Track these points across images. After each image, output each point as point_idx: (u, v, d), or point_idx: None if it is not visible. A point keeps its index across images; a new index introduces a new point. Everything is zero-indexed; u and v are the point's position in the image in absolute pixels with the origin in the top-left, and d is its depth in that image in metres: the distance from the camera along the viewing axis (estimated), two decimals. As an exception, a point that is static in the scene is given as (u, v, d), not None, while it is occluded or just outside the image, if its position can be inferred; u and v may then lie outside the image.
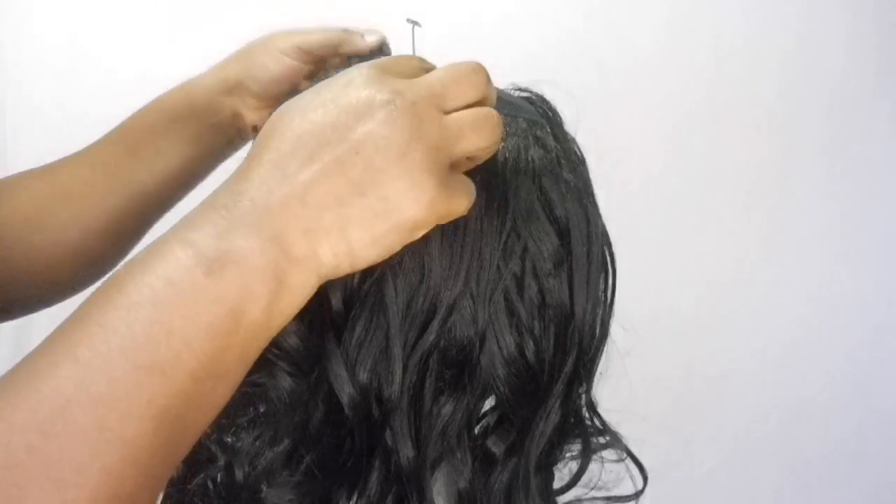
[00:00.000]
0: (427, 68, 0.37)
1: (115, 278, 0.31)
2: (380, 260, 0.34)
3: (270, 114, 0.34)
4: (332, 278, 0.34)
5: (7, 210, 0.52)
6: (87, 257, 0.54)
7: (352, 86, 0.33)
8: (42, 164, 0.57)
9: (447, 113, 0.34)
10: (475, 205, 0.37)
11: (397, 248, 0.34)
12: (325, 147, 0.32)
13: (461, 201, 0.35)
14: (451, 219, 0.35)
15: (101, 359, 0.29)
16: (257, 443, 0.40)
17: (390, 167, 0.32)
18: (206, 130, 0.55)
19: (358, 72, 0.34)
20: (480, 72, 0.36)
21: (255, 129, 0.55)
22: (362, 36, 0.53)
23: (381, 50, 0.54)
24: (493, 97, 0.37)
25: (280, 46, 0.53)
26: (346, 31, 0.53)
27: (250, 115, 0.55)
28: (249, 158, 0.33)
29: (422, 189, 0.32)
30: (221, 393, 0.32)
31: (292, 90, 0.53)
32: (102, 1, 0.89)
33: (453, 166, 0.35)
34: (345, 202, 0.32)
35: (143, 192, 0.55)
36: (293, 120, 0.33)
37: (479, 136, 0.35)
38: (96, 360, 0.28)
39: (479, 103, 0.36)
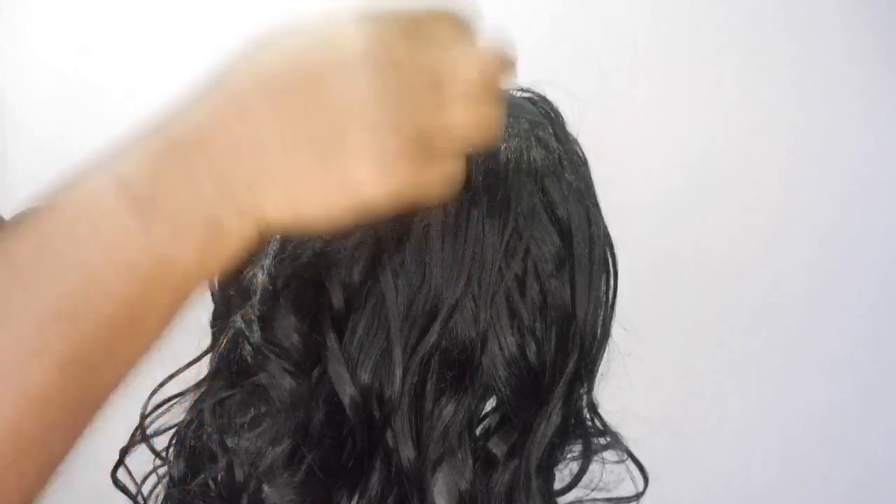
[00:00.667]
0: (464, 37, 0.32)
1: (36, 207, 0.27)
2: (326, 227, 0.30)
3: None
4: (271, 233, 0.31)
5: None
6: None
7: (340, 36, 0.29)
8: (41, 164, 0.57)
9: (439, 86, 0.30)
10: (478, 207, 0.37)
11: (346, 219, 0.30)
12: (293, 91, 0.28)
13: (432, 188, 0.31)
14: (416, 203, 0.31)
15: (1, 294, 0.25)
16: (258, 443, 0.40)
17: (356, 132, 0.28)
18: None
19: (353, 23, 0.30)
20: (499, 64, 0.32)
21: None
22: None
23: None
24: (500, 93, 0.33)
25: None
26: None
27: None
28: (212, 83, 0.30)
29: (385, 165, 0.29)
30: (142, 343, 0.29)
31: None
32: (103, 1, 0.89)
33: (437, 146, 0.31)
34: (299, 155, 0.28)
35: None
36: (271, 54, 0.29)
37: (471, 113, 0.31)
38: None
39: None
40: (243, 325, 0.40)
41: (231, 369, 0.42)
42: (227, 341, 0.42)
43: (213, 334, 0.46)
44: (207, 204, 0.28)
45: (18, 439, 0.26)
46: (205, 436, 0.43)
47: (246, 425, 0.41)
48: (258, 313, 0.40)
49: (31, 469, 0.27)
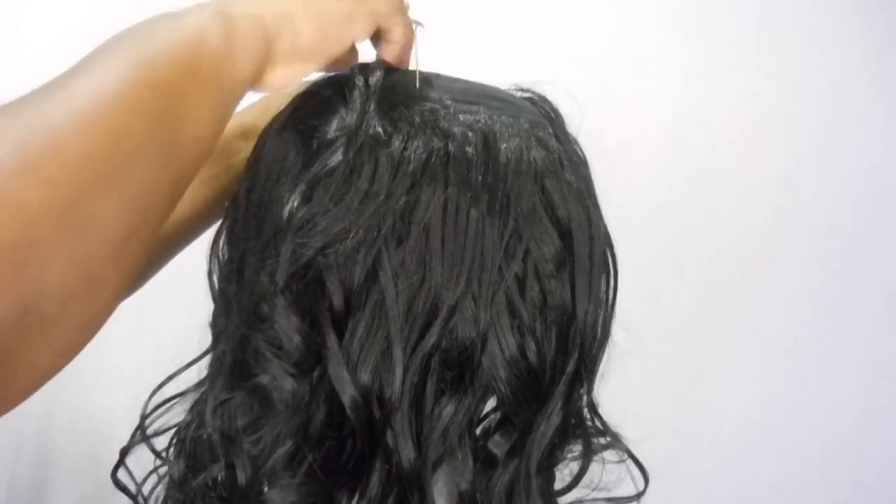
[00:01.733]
0: None
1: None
2: (320, 45, 0.41)
3: None
4: (271, 57, 0.40)
5: None
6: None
7: None
8: None
9: None
10: (478, 207, 0.37)
11: (334, 36, 0.42)
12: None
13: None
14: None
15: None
16: (260, 444, 0.40)
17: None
18: (222, 172, 0.56)
19: None
20: None
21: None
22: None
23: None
24: None
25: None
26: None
27: None
28: None
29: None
30: (202, 119, 0.35)
31: None
32: (103, 2, 0.89)
33: None
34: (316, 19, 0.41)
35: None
36: None
37: None
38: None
39: None
40: (244, 327, 0.40)
41: (232, 371, 0.42)
42: (227, 342, 0.42)
43: (214, 335, 0.46)
44: (218, 12, 0.37)
45: (120, 154, 0.30)
46: (206, 436, 0.43)
47: (247, 427, 0.41)
48: (259, 314, 0.40)
49: (110, 208, 0.30)
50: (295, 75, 0.42)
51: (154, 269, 0.58)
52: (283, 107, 0.52)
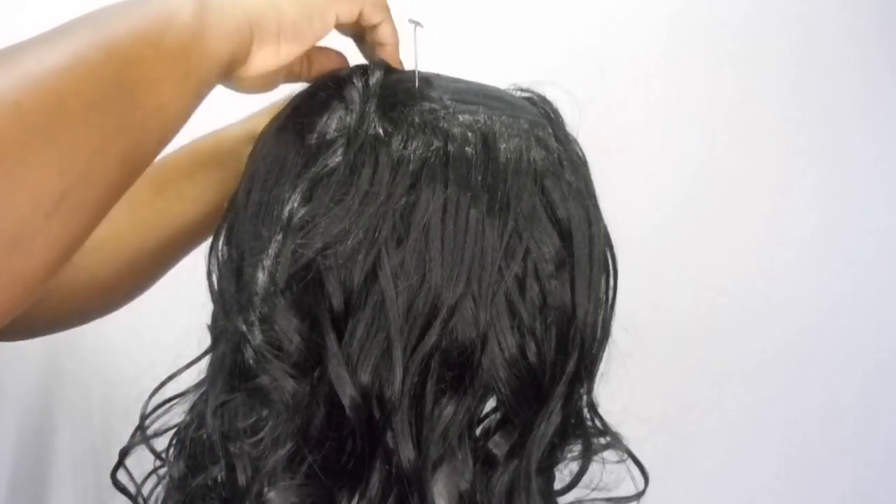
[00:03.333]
0: None
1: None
2: (305, 25, 0.42)
3: None
4: (257, 36, 0.40)
5: None
6: (101, 289, 0.55)
7: None
8: None
9: None
10: (478, 207, 0.37)
11: (317, 16, 0.43)
12: None
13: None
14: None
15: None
16: (260, 446, 0.40)
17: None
18: (231, 177, 0.55)
19: None
20: None
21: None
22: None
23: None
24: None
25: None
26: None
27: None
28: None
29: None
30: (157, 103, 0.36)
31: None
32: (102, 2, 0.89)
33: None
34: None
35: (165, 233, 0.55)
36: None
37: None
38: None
39: None
40: (244, 328, 0.40)
41: (232, 371, 0.42)
42: (227, 343, 0.42)
43: (214, 335, 0.46)
44: (240, 22, 0.39)
45: (62, 111, 0.31)
46: (206, 437, 0.43)
47: (247, 429, 0.41)
48: (259, 315, 0.40)
49: (44, 161, 0.30)
50: (281, 57, 0.42)
51: (157, 274, 0.58)
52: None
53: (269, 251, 0.40)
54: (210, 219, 0.56)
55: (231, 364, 0.42)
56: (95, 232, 0.53)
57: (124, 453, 0.48)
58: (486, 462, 0.42)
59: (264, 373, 0.40)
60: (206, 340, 0.47)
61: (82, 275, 0.53)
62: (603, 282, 0.45)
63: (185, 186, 0.56)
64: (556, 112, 0.48)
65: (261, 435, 0.40)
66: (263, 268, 0.40)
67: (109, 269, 0.54)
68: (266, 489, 0.40)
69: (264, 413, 0.41)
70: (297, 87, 0.49)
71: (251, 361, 0.40)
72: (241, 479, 0.40)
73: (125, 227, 0.54)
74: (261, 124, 0.53)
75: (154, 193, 0.55)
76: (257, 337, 0.40)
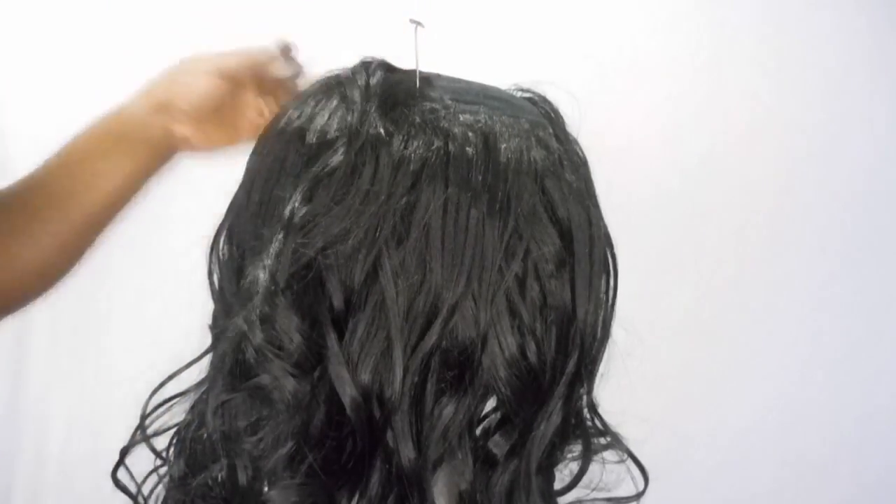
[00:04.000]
0: None
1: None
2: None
3: (198, 126, 0.62)
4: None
5: None
6: (38, 271, 0.60)
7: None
8: (40, 163, 0.58)
9: None
10: (478, 207, 0.38)
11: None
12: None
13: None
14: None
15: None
16: (261, 445, 0.40)
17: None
18: (140, 146, 0.62)
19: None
20: None
21: (186, 140, 0.65)
22: (278, 60, 0.66)
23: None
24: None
25: (203, 69, 0.63)
26: (261, 52, 0.66)
27: (180, 129, 0.64)
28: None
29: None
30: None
31: (216, 105, 0.64)
32: (102, 3, 0.89)
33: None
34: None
35: (87, 211, 0.60)
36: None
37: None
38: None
39: None
40: (245, 327, 0.40)
41: (232, 371, 0.42)
42: (228, 342, 0.42)
43: (214, 335, 0.46)
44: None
45: None
46: (206, 436, 0.43)
47: (248, 428, 0.41)
48: (259, 314, 0.40)
49: None
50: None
51: (88, 245, 0.62)
52: (194, 84, 0.61)
53: (270, 250, 0.40)
54: (126, 188, 0.62)
55: (231, 363, 0.42)
56: (15, 212, 0.59)
57: (124, 452, 0.48)
58: (486, 462, 0.42)
59: (265, 372, 0.40)
60: (207, 340, 0.47)
61: (7, 257, 0.58)
62: (603, 282, 0.45)
63: (98, 165, 0.61)
64: (556, 112, 0.48)
65: (261, 434, 0.40)
66: (264, 267, 0.40)
67: (35, 247, 0.59)
68: (266, 488, 0.40)
69: (265, 412, 0.41)
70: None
71: (252, 360, 0.40)
72: (242, 478, 0.40)
73: (45, 213, 0.59)
74: (156, 86, 0.63)
75: (69, 178, 0.60)
76: (258, 336, 0.40)
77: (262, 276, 0.40)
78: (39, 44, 0.88)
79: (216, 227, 0.50)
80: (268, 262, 0.40)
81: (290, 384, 0.39)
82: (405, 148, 0.40)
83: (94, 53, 0.89)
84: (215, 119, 0.64)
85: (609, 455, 0.49)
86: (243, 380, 0.41)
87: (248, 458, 0.40)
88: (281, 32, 0.67)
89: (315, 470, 0.39)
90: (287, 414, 0.39)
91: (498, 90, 0.47)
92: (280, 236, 0.40)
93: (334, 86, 0.45)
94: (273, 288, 0.39)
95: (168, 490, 0.47)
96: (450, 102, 0.43)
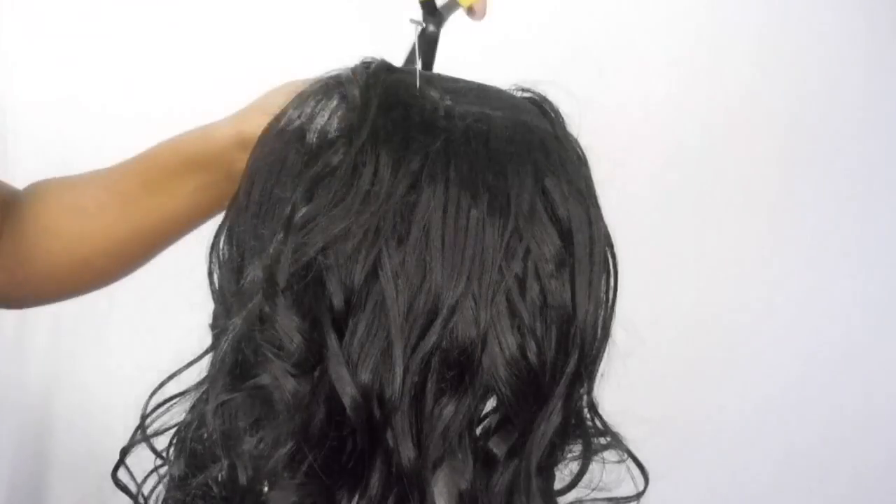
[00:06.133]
0: None
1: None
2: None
3: None
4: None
5: (30, 214, 0.57)
6: (92, 271, 0.59)
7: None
8: (41, 164, 0.58)
9: None
10: (478, 207, 0.38)
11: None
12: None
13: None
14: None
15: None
16: (261, 445, 0.40)
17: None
18: (222, 179, 0.56)
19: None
20: None
21: None
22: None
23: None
24: None
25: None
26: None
27: None
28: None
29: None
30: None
31: None
32: (102, 4, 0.89)
33: None
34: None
35: (151, 226, 0.58)
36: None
37: None
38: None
39: None
40: (245, 327, 0.40)
41: (232, 371, 0.42)
42: (228, 342, 0.42)
43: (214, 335, 0.46)
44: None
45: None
46: (206, 436, 0.43)
47: (248, 428, 0.41)
48: (259, 314, 0.40)
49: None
50: None
51: (145, 259, 0.61)
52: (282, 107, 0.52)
53: (270, 250, 0.40)
54: (197, 214, 0.58)
55: (232, 363, 0.42)
56: (89, 223, 0.58)
57: (125, 452, 0.48)
58: (486, 462, 0.42)
59: (265, 372, 0.40)
60: (207, 340, 0.47)
61: (76, 259, 0.57)
62: (603, 282, 0.45)
63: (173, 185, 0.57)
64: (556, 112, 0.48)
65: (261, 434, 0.40)
66: (264, 267, 0.40)
67: (101, 255, 0.58)
68: (266, 488, 0.40)
69: (265, 412, 0.41)
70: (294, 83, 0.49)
71: (252, 360, 0.40)
72: (242, 478, 0.40)
73: (116, 219, 0.57)
74: (248, 121, 0.53)
75: (142, 189, 0.57)
76: (258, 336, 0.40)
77: (262, 275, 0.40)
78: (40, 44, 0.88)
79: (216, 227, 0.50)
80: (267, 262, 0.40)
81: (290, 384, 0.39)
82: (405, 148, 0.40)
83: (94, 53, 0.89)
84: None
85: (609, 455, 0.49)
86: (243, 379, 0.41)
87: (249, 457, 0.40)
88: (280, 33, 0.67)
89: (315, 470, 0.39)
90: (287, 414, 0.39)
91: (498, 90, 0.47)
92: (280, 236, 0.40)
93: (334, 86, 0.45)
94: (273, 288, 0.39)
95: (168, 490, 0.47)
96: (450, 102, 0.43)
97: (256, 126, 0.52)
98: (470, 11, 0.53)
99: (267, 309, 0.40)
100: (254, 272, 0.41)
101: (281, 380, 0.39)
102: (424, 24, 0.52)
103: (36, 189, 0.59)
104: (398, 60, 0.50)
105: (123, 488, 0.49)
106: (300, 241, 0.39)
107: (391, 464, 0.39)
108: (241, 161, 0.53)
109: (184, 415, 0.46)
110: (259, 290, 0.40)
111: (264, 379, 0.40)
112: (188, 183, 0.56)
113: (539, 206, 0.41)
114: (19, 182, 0.61)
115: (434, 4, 0.52)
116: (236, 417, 0.42)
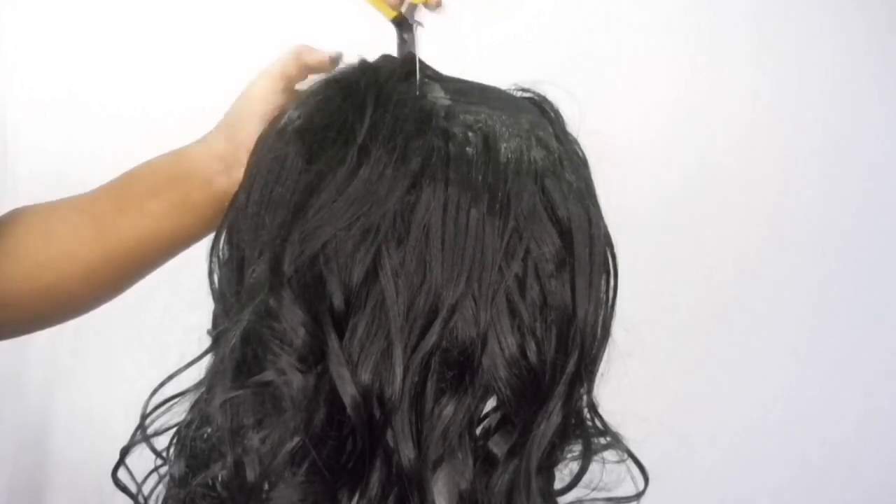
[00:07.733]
0: None
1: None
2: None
3: None
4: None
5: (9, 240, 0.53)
6: (59, 297, 0.54)
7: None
8: (41, 164, 0.58)
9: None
10: (478, 207, 0.38)
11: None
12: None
13: None
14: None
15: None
16: (267, 443, 0.40)
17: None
18: (195, 197, 0.54)
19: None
20: None
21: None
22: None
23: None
24: None
25: (259, 111, 0.52)
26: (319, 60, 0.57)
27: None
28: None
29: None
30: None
31: None
32: (102, 5, 0.89)
33: None
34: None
35: (123, 248, 0.54)
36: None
37: None
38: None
39: None
40: (251, 321, 0.40)
41: (239, 367, 0.42)
42: (229, 341, 0.42)
43: (214, 335, 0.46)
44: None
45: None
46: (206, 435, 0.43)
47: (253, 425, 0.41)
48: (264, 309, 0.40)
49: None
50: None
51: (118, 287, 0.57)
52: (278, 111, 0.51)
53: (275, 244, 0.40)
54: (175, 238, 0.55)
55: (235, 361, 0.42)
56: (57, 246, 0.54)
57: (125, 452, 0.48)
58: (486, 461, 0.42)
59: (272, 367, 0.40)
60: (206, 340, 0.47)
61: (40, 285, 0.53)
62: (603, 282, 0.45)
63: (146, 204, 0.54)
64: (556, 112, 0.48)
65: (267, 431, 0.40)
66: (269, 259, 0.40)
67: (68, 280, 0.53)
68: (266, 486, 0.40)
69: (270, 409, 0.41)
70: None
71: (257, 356, 0.40)
72: (251, 475, 0.40)
73: (87, 241, 0.54)
74: (226, 150, 0.52)
75: (115, 210, 0.54)
76: (264, 331, 0.40)
77: (263, 276, 0.40)
78: (40, 44, 0.88)
79: (216, 227, 0.50)
80: (272, 254, 0.40)
81: (297, 379, 0.39)
82: (406, 148, 0.40)
83: (94, 53, 0.89)
84: None
85: (609, 455, 0.49)
86: (248, 377, 0.41)
87: (256, 454, 0.40)
88: (281, 33, 0.67)
89: (317, 468, 0.39)
90: (293, 410, 0.39)
91: (498, 90, 0.47)
92: (280, 236, 0.40)
93: (334, 85, 0.45)
94: (279, 279, 0.39)
95: (168, 490, 0.47)
96: (450, 102, 0.43)
97: (230, 150, 0.52)
98: (426, 4, 0.53)
99: (273, 303, 0.40)
100: (253, 272, 0.41)
101: (288, 373, 0.39)
102: (404, 38, 0.52)
103: (10, 216, 0.55)
104: (398, 61, 0.50)
105: (123, 488, 0.49)
106: (300, 240, 0.39)
107: (391, 463, 0.39)
108: (219, 178, 0.53)
109: (183, 415, 0.46)
110: (264, 285, 0.40)
111: (270, 375, 0.40)
112: (162, 202, 0.54)
113: (539, 206, 0.41)
114: (19, 182, 0.61)
115: (405, 20, 0.52)
116: (241, 414, 0.42)
